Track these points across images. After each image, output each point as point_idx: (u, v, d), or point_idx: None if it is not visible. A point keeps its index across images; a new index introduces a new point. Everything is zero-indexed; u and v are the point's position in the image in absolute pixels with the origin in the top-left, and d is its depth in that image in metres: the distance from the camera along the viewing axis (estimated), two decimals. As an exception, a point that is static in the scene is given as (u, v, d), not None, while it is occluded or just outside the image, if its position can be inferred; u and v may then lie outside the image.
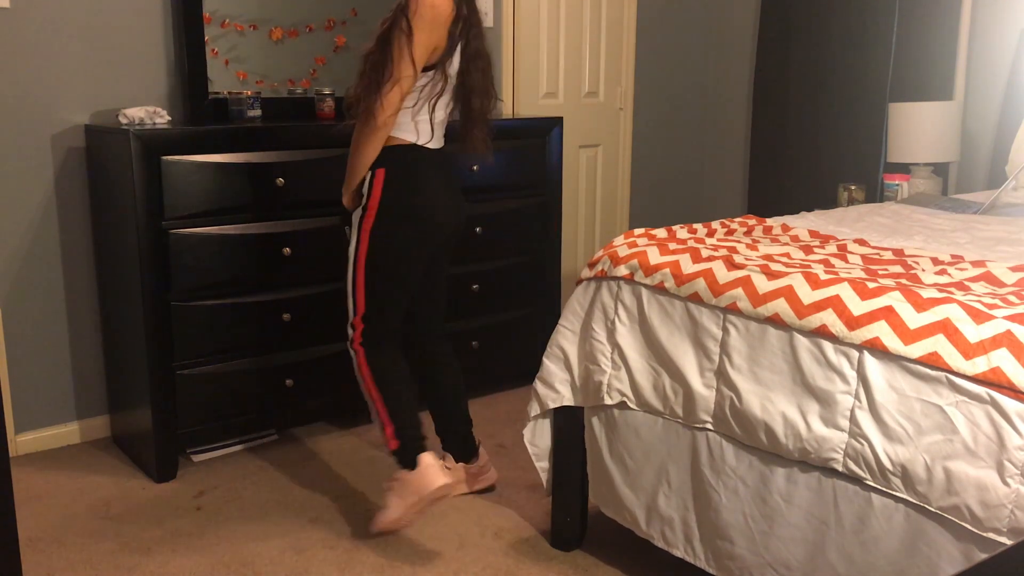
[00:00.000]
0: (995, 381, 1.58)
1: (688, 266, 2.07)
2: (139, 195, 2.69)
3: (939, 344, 1.65)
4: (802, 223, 2.68)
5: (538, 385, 2.39)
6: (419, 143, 2.42)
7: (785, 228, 2.57)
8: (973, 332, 1.63)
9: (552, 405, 2.36)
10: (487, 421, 3.32)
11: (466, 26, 2.40)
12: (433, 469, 2.41)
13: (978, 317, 1.65)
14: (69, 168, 3.02)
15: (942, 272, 2.04)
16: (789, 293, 1.87)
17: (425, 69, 2.36)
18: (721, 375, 1.99)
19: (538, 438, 2.44)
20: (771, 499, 1.92)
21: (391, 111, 2.33)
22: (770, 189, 4.58)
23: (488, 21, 3.95)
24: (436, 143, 2.46)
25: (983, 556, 1.62)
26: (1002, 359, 1.58)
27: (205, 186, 2.80)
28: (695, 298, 2.04)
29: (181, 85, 3.17)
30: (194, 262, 2.80)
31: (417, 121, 2.41)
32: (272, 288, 2.97)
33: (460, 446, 2.73)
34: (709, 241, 2.29)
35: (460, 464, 2.74)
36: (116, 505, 2.70)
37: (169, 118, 3.02)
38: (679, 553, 2.13)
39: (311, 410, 3.19)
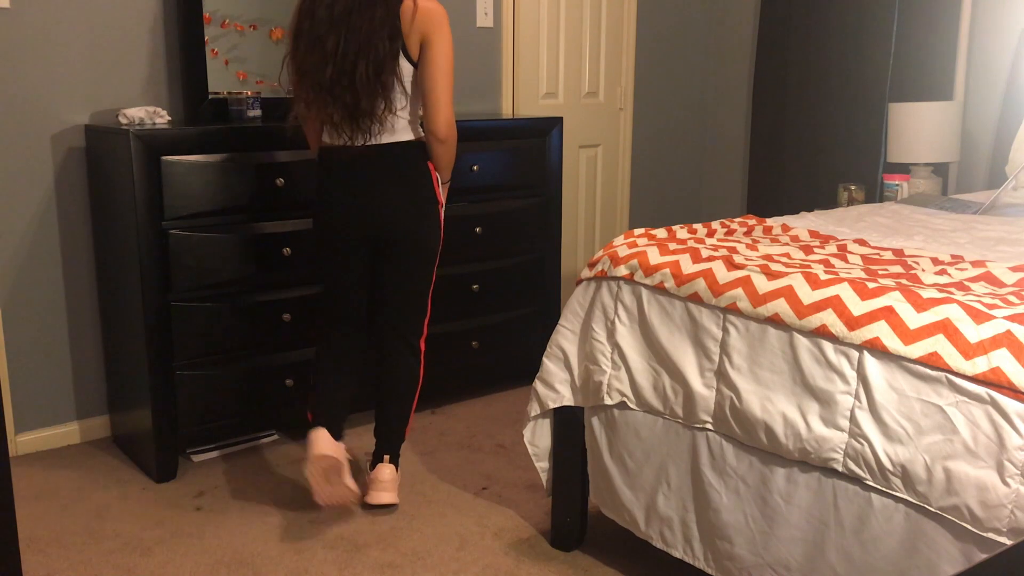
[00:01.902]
0: (995, 381, 1.58)
1: (688, 266, 2.07)
2: (139, 195, 2.69)
3: (939, 344, 1.65)
4: (802, 223, 2.68)
5: (538, 385, 2.39)
6: (324, 142, 2.54)
7: (785, 228, 2.57)
8: (973, 332, 1.63)
9: (552, 405, 2.36)
10: (487, 421, 3.32)
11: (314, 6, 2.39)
12: (316, 442, 2.48)
13: (978, 317, 1.65)
14: (69, 168, 3.02)
15: (942, 272, 2.04)
16: (789, 293, 1.87)
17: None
18: (721, 375, 1.99)
19: (538, 438, 2.44)
20: (771, 499, 1.92)
21: (299, 112, 2.53)
22: (770, 189, 4.58)
23: (488, 21, 3.95)
24: (341, 139, 2.46)
25: (983, 556, 1.62)
26: (1002, 359, 1.58)
27: (205, 186, 2.80)
28: (695, 298, 2.04)
29: (181, 85, 3.17)
30: (194, 262, 2.80)
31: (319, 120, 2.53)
32: (272, 288, 2.97)
33: (375, 450, 2.70)
34: (709, 241, 2.29)
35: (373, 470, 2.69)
36: (116, 505, 2.70)
37: (169, 118, 3.02)
38: (678, 554, 2.13)
39: (311, 410, 3.19)
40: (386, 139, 2.47)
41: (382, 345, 2.67)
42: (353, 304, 2.63)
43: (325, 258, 2.59)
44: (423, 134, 2.55)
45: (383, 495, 2.62)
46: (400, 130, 2.49)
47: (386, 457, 2.66)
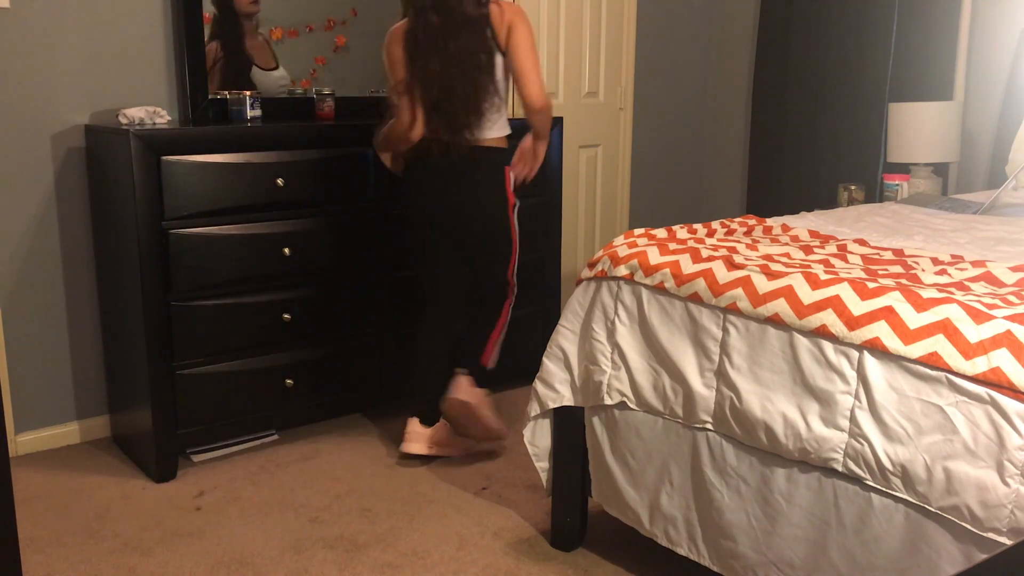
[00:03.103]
0: (995, 381, 1.58)
1: (688, 266, 2.07)
2: (139, 195, 2.69)
3: (939, 344, 1.65)
4: (802, 223, 2.68)
5: (538, 385, 2.39)
6: (423, 142, 2.83)
7: (785, 228, 2.57)
8: (973, 332, 1.63)
9: (552, 405, 2.36)
10: (487, 421, 3.32)
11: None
12: (408, 434, 2.94)
13: (978, 317, 1.65)
14: (69, 168, 3.02)
15: (942, 272, 2.04)
16: (789, 293, 1.87)
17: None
18: (721, 375, 1.99)
19: (538, 438, 2.44)
20: (772, 499, 1.92)
21: (399, 122, 2.87)
22: (770, 189, 4.58)
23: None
24: (441, 142, 2.79)
25: (983, 556, 1.62)
26: (1002, 359, 1.58)
27: (205, 186, 2.80)
28: (695, 298, 2.04)
29: (181, 85, 3.17)
30: (194, 262, 2.80)
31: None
32: (272, 288, 2.97)
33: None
34: (709, 241, 2.29)
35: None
36: (116, 505, 2.70)
37: (169, 118, 3.02)
38: (683, 552, 2.13)
39: (311, 410, 3.19)
40: (475, 141, 2.79)
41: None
42: (445, 288, 2.98)
43: (421, 245, 2.96)
44: (506, 133, 2.87)
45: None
46: (488, 131, 2.81)
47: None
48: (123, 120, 2.86)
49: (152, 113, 2.90)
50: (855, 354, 1.76)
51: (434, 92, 2.73)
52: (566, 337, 2.34)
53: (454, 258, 2.96)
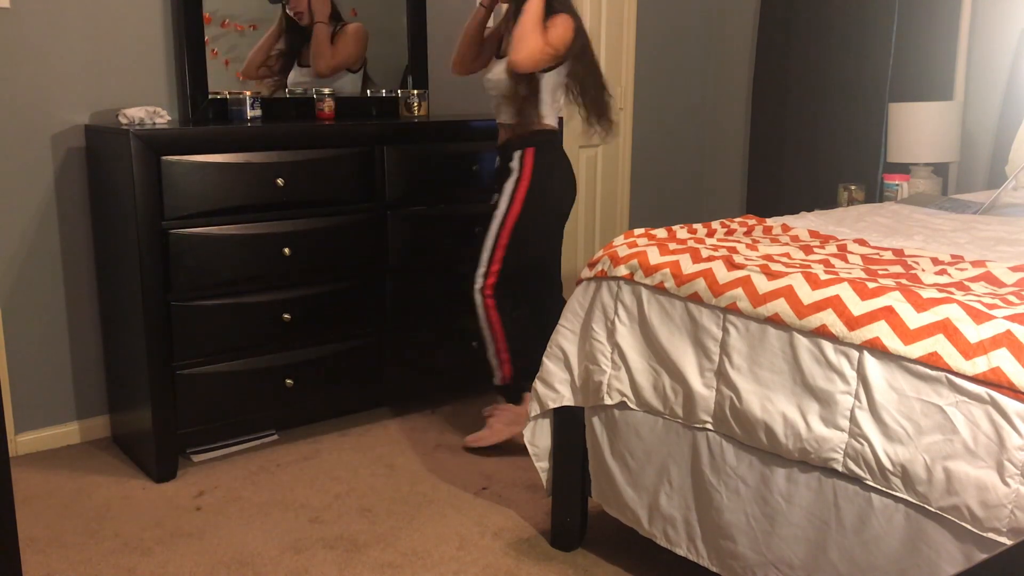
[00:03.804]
0: (995, 381, 1.58)
1: (688, 266, 2.07)
2: (139, 195, 2.69)
3: (939, 344, 1.65)
4: (802, 223, 2.68)
5: (538, 385, 2.39)
6: (553, 128, 3.06)
7: (785, 228, 2.57)
8: (973, 332, 1.64)
9: (552, 405, 2.36)
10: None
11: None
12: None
13: (978, 317, 1.65)
14: (69, 168, 3.02)
15: (942, 272, 2.04)
16: (789, 293, 1.87)
17: None
18: (721, 375, 1.99)
19: (538, 438, 2.44)
20: (772, 499, 1.92)
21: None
22: (770, 189, 4.58)
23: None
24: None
25: (983, 556, 1.62)
26: (1002, 359, 1.58)
27: (205, 186, 2.80)
28: (695, 298, 2.04)
29: (181, 85, 3.17)
30: (194, 262, 2.80)
31: None
32: (272, 288, 2.97)
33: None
34: (709, 241, 2.29)
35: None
36: (116, 505, 2.70)
37: (169, 118, 3.02)
38: (682, 552, 2.13)
39: (311, 410, 3.19)
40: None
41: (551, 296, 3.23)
42: (548, 272, 3.18)
43: (544, 229, 3.05)
44: None
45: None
46: None
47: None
48: (123, 120, 2.86)
49: (152, 113, 2.90)
50: (855, 354, 1.76)
51: (589, 82, 3.03)
52: (566, 337, 2.34)
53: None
